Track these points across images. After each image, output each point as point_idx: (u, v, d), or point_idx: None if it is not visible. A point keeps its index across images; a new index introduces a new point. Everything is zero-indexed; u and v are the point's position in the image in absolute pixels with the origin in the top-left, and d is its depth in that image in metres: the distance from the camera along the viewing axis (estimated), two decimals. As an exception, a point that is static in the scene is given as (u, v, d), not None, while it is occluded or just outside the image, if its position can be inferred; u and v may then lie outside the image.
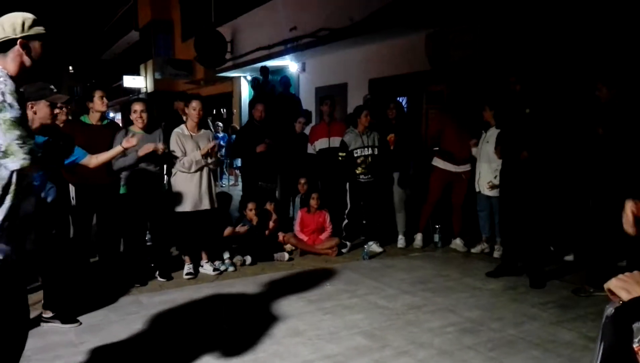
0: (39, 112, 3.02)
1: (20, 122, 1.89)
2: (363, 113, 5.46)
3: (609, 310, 1.05)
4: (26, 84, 2.19)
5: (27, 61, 2.00)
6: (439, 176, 5.49)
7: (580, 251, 4.82)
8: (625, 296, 1.00)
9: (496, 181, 4.90)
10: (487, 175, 5.10)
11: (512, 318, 3.54)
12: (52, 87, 3.07)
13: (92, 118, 4.40)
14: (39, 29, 2.03)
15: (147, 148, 4.10)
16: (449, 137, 5.39)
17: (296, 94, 8.99)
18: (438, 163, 5.49)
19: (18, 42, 1.97)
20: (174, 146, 4.46)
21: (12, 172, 1.91)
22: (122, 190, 4.33)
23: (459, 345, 3.10)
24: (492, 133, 4.93)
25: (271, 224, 5.39)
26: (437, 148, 5.48)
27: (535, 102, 4.24)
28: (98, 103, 4.37)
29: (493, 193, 5.02)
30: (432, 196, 5.57)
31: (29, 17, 2.02)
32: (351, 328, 3.38)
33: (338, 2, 8.21)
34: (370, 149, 5.43)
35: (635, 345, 0.91)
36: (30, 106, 2.95)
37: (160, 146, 4.15)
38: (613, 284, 1.05)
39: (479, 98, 5.64)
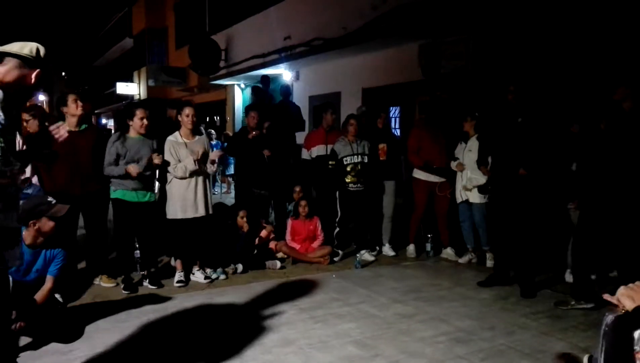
0: (42, 227, 3.15)
1: (4, 133, 1.92)
2: (349, 121, 5.51)
3: (609, 317, 1.05)
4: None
5: (26, 84, 2.12)
6: (422, 188, 5.54)
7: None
8: (629, 304, 1.01)
9: (468, 186, 5.07)
10: (460, 182, 5.23)
11: (503, 328, 3.55)
12: (50, 199, 3.15)
13: (69, 124, 4.15)
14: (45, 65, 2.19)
15: (136, 169, 4.18)
16: (427, 148, 5.44)
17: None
18: (419, 174, 5.54)
19: (38, 70, 2.11)
20: (167, 154, 4.45)
21: None
22: (113, 195, 4.30)
23: (451, 355, 3.10)
24: (474, 143, 5.04)
25: (264, 233, 5.38)
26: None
27: (528, 112, 4.29)
28: (72, 107, 4.21)
29: (474, 198, 5.06)
30: (419, 208, 5.61)
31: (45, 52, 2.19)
32: (342, 337, 3.37)
33: (332, 12, 8.28)
34: (359, 156, 5.45)
35: (636, 350, 0.92)
36: (32, 224, 3.12)
37: (157, 160, 4.24)
38: (621, 291, 1.05)
39: (463, 109, 5.70)
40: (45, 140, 2.45)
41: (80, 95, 4.40)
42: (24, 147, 2.75)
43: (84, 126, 4.34)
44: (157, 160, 4.25)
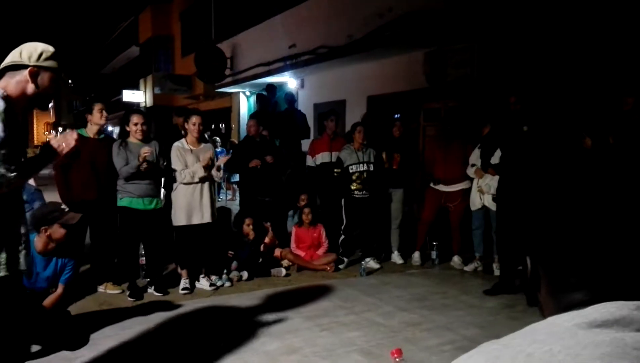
0: (53, 234, 3.18)
1: (3, 145, 1.90)
2: (357, 129, 5.52)
3: None
4: (31, 108, 2.23)
5: (30, 88, 2.06)
6: (433, 196, 5.54)
7: None
8: None
9: (485, 189, 5.05)
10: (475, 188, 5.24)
11: (509, 337, 3.51)
12: (63, 206, 3.19)
13: (90, 131, 4.40)
14: (53, 63, 2.10)
15: (144, 151, 4.17)
16: (438, 160, 5.47)
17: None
18: (431, 183, 5.54)
19: (28, 69, 2.04)
20: (174, 159, 4.49)
21: None
22: (120, 203, 4.33)
23: (457, 364, 3.08)
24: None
25: (267, 240, 5.38)
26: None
27: (533, 120, 4.28)
28: (97, 116, 4.38)
29: (493, 205, 5.02)
30: (427, 216, 5.61)
31: (48, 49, 2.11)
32: (348, 345, 3.36)
33: (337, 20, 8.31)
34: (365, 165, 5.46)
35: None
36: (44, 230, 3.15)
37: (148, 150, 4.19)
38: None
39: (477, 115, 5.70)
40: (49, 153, 2.36)
41: (105, 105, 4.53)
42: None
43: (102, 136, 4.50)
44: (145, 153, 4.15)
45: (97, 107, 4.39)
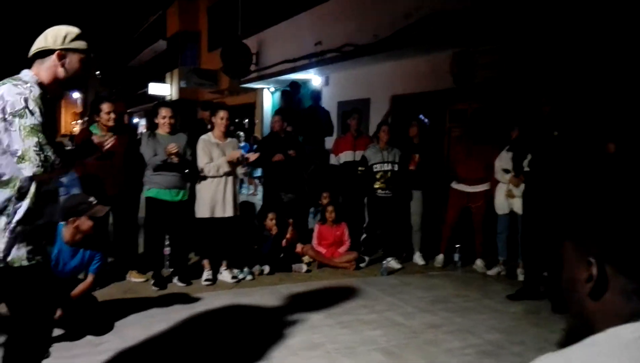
0: (81, 226, 3.22)
1: (40, 129, 1.89)
2: (382, 129, 5.50)
3: None
4: (65, 89, 2.23)
5: (61, 72, 2.05)
6: (456, 197, 5.48)
7: None
8: None
9: (515, 192, 4.94)
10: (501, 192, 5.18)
11: (533, 343, 3.47)
12: (91, 199, 3.23)
13: (101, 129, 4.31)
14: (80, 44, 2.08)
15: (171, 147, 4.23)
16: (460, 159, 5.42)
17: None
18: (453, 184, 5.49)
19: (56, 53, 2.02)
20: (200, 152, 4.54)
21: (30, 177, 1.92)
22: (147, 193, 4.40)
23: (479, 367, 3.05)
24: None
25: (288, 235, 5.40)
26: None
27: (564, 125, 4.20)
28: (105, 118, 4.22)
29: (517, 207, 4.93)
30: (449, 218, 5.55)
31: (73, 31, 2.07)
32: (369, 343, 3.35)
33: (363, 19, 8.29)
34: (390, 165, 5.43)
35: None
36: (72, 221, 3.19)
37: (174, 145, 4.24)
38: None
39: (504, 118, 5.61)
40: (90, 148, 2.43)
41: (115, 102, 4.39)
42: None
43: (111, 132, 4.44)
44: (172, 150, 4.23)
45: (105, 108, 4.21)
